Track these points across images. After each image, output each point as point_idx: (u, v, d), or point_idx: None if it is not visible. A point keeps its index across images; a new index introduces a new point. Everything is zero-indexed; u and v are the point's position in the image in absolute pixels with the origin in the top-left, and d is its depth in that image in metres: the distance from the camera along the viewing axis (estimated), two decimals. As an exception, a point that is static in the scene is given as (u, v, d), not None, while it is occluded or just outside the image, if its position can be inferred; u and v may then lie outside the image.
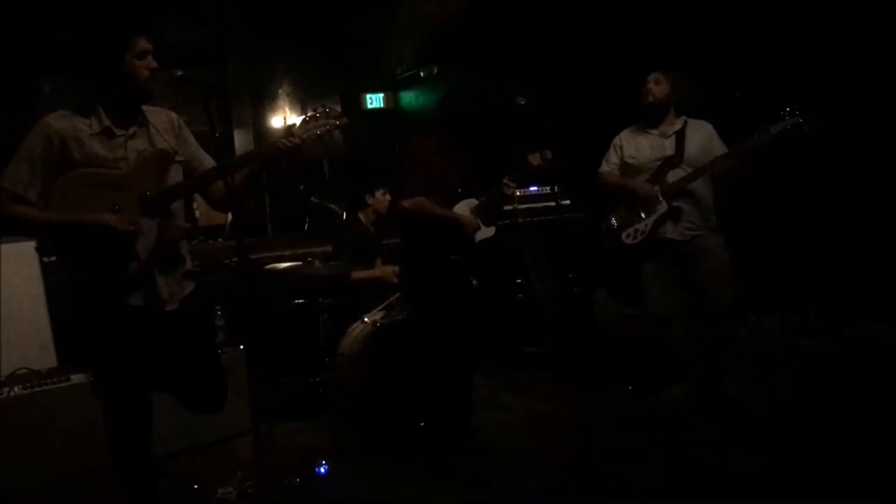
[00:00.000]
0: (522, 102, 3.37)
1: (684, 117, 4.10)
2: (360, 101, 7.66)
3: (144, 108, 2.66)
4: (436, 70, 6.87)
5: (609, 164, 4.27)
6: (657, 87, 4.05)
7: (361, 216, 5.00)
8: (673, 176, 4.01)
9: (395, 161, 3.81)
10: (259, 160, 2.69)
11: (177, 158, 2.67)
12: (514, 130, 4.53)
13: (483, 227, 3.79)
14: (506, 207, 5.30)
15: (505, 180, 3.72)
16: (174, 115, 2.75)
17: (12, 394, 3.61)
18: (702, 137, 4.04)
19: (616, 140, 4.26)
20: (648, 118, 4.14)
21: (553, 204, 4.46)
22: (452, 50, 6.55)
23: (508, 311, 5.34)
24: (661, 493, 3.21)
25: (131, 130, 2.61)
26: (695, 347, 4.17)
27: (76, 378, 3.76)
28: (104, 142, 2.55)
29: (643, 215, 4.06)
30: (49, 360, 4.08)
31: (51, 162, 2.49)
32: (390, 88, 7.68)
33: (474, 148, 3.75)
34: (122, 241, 2.50)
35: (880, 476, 3.13)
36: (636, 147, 4.16)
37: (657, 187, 4.02)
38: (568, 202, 5.28)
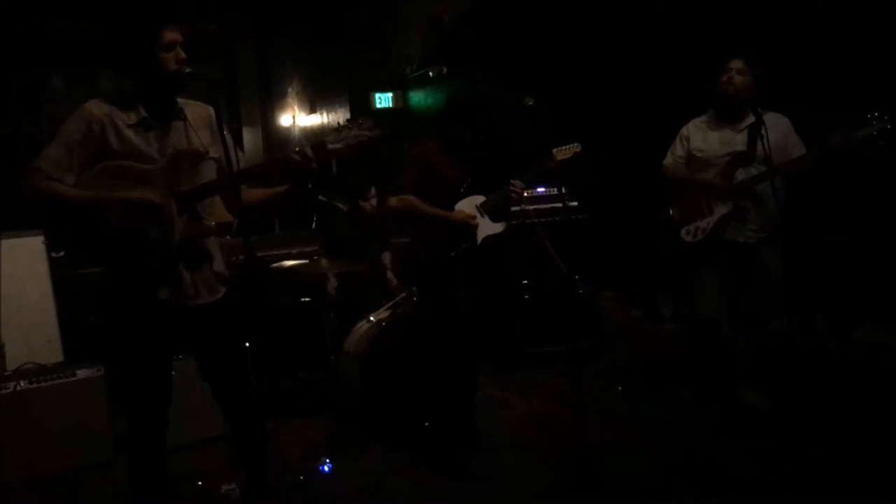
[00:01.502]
0: (531, 103, 3.35)
1: (759, 109, 3.71)
2: (369, 100, 7.67)
3: (182, 101, 2.65)
4: (445, 70, 6.87)
5: (674, 157, 4.05)
6: (740, 77, 3.76)
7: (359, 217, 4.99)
8: (743, 174, 3.77)
9: (401, 161, 3.80)
10: (284, 168, 2.66)
11: (211, 155, 2.66)
12: (522, 129, 4.52)
13: (491, 223, 3.78)
14: (514, 208, 5.30)
15: (512, 182, 3.71)
16: (211, 110, 2.71)
17: (18, 388, 3.62)
18: (777, 133, 3.71)
19: (683, 131, 4.04)
20: (724, 111, 3.88)
21: (560, 205, 4.45)
22: (462, 50, 6.56)
23: (513, 310, 5.33)
24: (663, 494, 3.20)
25: (167, 124, 2.61)
26: (717, 350, 4.11)
27: (82, 373, 3.77)
28: (140, 133, 2.55)
29: (706, 213, 3.85)
30: (55, 354, 4.09)
31: (89, 149, 2.49)
32: (399, 88, 7.69)
33: (481, 146, 3.74)
34: (157, 221, 2.50)
35: (886, 478, 3.11)
36: (705, 139, 3.93)
37: (725, 184, 3.79)
38: (575, 203, 5.28)
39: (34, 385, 3.66)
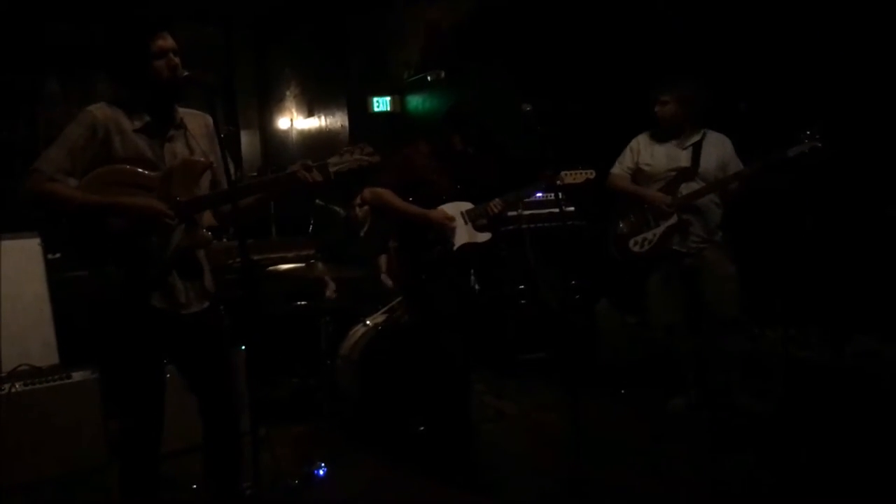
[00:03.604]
0: (528, 109, 3.35)
1: (704, 130, 4.08)
2: (366, 104, 7.67)
3: (182, 111, 2.67)
4: (443, 74, 6.88)
5: (622, 167, 4.24)
6: (662, 108, 4.03)
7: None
8: (686, 188, 4.00)
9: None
10: (290, 185, 2.66)
11: (213, 166, 2.69)
12: (519, 137, 4.50)
13: (474, 231, 3.77)
14: (510, 213, 5.30)
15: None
16: (210, 120, 2.72)
17: (13, 390, 3.61)
18: (719, 152, 4.02)
19: (633, 143, 4.24)
20: (665, 131, 4.13)
21: (557, 210, 4.46)
22: (460, 54, 6.57)
23: (510, 317, 5.33)
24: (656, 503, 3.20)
25: (168, 132, 2.62)
26: (696, 359, 4.18)
27: (77, 375, 3.77)
28: (144, 139, 2.56)
29: (652, 225, 4.08)
30: (51, 357, 4.08)
31: (92, 152, 2.48)
32: (397, 92, 7.69)
33: (478, 156, 3.74)
34: (157, 230, 2.51)
35: (877, 487, 3.13)
36: (652, 154, 4.15)
37: (670, 199, 4.02)
38: (572, 209, 5.28)
39: (29, 387, 3.66)
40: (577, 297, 5.16)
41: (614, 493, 3.27)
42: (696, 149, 4.02)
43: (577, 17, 5.39)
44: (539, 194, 5.34)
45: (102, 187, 2.48)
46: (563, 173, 3.81)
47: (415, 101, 7.55)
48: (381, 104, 7.70)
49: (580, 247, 4.99)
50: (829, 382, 3.88)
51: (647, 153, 4.17)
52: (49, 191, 2.43)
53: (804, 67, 4.18)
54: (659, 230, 4.05)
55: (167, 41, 2.51)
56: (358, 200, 4.90)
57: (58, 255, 4.31)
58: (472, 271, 4.53)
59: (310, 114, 8.98)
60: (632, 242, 4.16)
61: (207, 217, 2.78)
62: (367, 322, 4.29)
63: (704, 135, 4.05)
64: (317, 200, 5.09)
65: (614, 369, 4.87)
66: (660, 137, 4.15)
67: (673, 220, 4.01)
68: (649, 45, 4.93)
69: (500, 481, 3.47)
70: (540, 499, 3.32)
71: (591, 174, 3.84)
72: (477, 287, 4.53)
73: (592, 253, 5.01)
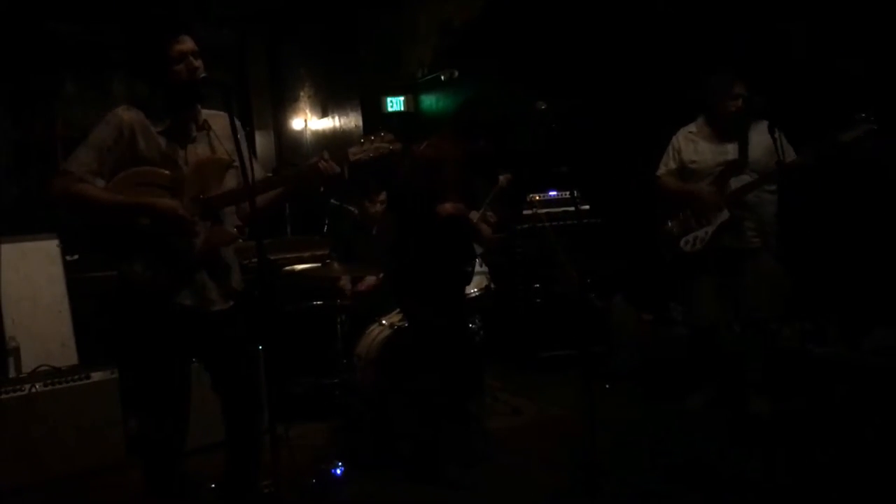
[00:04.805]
0: (543, 107, 3.34)
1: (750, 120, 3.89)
2: (380, 104, 7.68)
3: (206, 112, 2.70)
4: (456, 73, 6.88)
5: (667, 168, 4.11)
6: (736, 102, 3.83)
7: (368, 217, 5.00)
8: (737, 182, 3.84)
9: (409, 163, 3.75)
10: (312, 176, 2.67)
11: (234, 164, 2.69)
12: (533, 136, 4.51)
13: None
14: (525, 212, 5.30)
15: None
16: (231, 120, 2.77)
17: (34, 390, 3.66)
18: (766, 141, 3.73)
19: (674, 142, 4.10)
20: (723, 127, 3.95)
21: (572, 209, 4.45)
22: (473, 53, 6.57)
23: (528, 314, 5.34)
24: (669, 501, 3.19)
25: (192, 133, 2.65)
26: (724, 356, 4.13)
27: (97, 375, 3.81)
28: (167, 140, 2.59)
29: (704, 223, 3.92)
30: (70, 357, 4.12)
31: (119, 153, 2.52)
32: (411, 91, 7.69)
33: (489, 158, 3.74)
34: (180, 232, 2.54)
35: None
36: (696, 150, 4.00)
37: (720, 194, 3.86)
38: (587, 207, 5.27)
39: (49, 388, 3.70)
40: (593, 295, 5.15)
41: (629, 490, 3.25)
42: (742, 140, 3.84)
43: (584, 17, 5.38)
44: (553, 192, 5.37)
45: (129, 188, 2.52)
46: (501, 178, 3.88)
47: (428, 100, 7.56)
48: (395, 104, 7.71)
49: (596, 244, 4.98)
50: (847, 379, 3.86)
51: (690, 150, 4.01)
52: (79, 192, 2.48)
53: (822, 62, 4.15)
54: (711, 228, 3.88)
55: (186, 44, 2.53)
56: (379, 200, 4.90)
57: (76, 256, 4.36)
58: (488, 270, 4.56)
59: (324, 114, 9.00)
60: (682, 242, 3.99)
61: (233, 217, 2.80)
62: (383, 321, 4.29)
63: (750, 125, 3.88)
64: (331, 200, 5.10)
65: (629, 366, 4.85)
66: (703, 132, 4.00)
67: (724, 216, 3.84)
68: (658, 41, 4.91)
69: (514, 480, 3.46)
70: (553, 496, 3.31)
71: (509, 177, 3.93)
72: (492, 286, 4.54)
73: (608, 249, 5.01)
